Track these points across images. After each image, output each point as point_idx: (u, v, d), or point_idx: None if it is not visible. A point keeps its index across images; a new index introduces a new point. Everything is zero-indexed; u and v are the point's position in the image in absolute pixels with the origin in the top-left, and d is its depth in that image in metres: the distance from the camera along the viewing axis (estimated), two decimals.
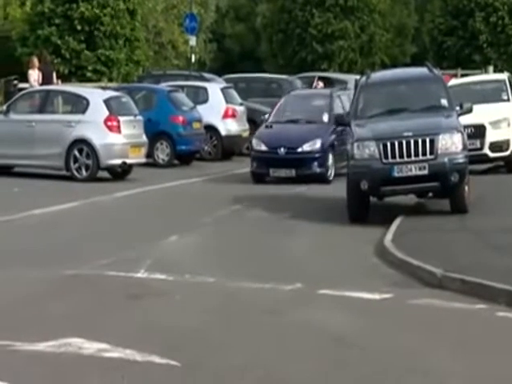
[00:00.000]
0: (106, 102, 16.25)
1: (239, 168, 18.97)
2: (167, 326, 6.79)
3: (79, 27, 31.59)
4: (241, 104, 21.16)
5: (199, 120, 19.46)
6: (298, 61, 37.70)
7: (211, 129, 20.17)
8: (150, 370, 5.66)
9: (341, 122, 13.47)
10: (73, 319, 6.89)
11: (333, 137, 16.19)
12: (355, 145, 11.59)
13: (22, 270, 8.52)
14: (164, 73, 25.73)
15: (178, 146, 18.78)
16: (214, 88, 21.22)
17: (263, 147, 16.01)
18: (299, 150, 15.84)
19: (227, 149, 20.63)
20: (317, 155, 15.86)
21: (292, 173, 15.73)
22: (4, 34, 37.94)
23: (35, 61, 21.12)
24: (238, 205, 13.36)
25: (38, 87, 19.46)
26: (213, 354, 6.09)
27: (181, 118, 18.97)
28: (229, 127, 20.53)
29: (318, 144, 15.95)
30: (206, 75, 25.02)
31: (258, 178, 15.97)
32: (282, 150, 15.76)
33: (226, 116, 20.59)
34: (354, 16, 38.49)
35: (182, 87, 20.61)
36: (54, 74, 22.03)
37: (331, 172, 16.02)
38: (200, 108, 19.80)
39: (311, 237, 10.97)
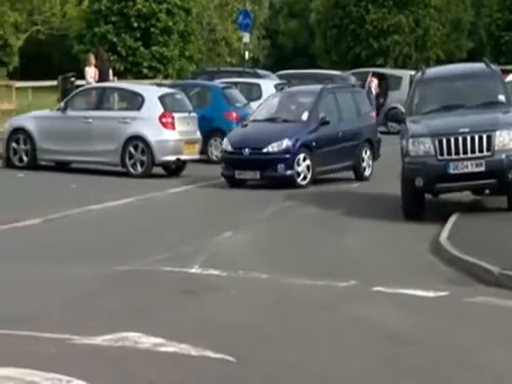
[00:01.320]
0: (161, 98, 16.40)
1: None
2: (222, 321, 6.83)
3: (135, 24, 31.95)
4: None
5: None
6: (352, 57, 37.56)
7: None
8: (204, 365, 5.70)
9: (394, 118, 13.28)
10: (129, 314, 6.98)
11: (310, 137, 14.95)
12: (410, 141, 11.49)
13: (79, 265, 8.65)
14: (218, 69, 25.83)
15: None
16: (268, 84, 21.22)
17: (230, 148, 14.88)
18: (264, 150, 14.58)
19: None
20: (284, 156, 14.54)
21: (256, 175, 14.53)
22: (61, 32, 38.54)
23: (92, 58, 21.37)
24: (290, 201, 13.36)
25: (94, 84, 19.70)
26: (267, 350, 6.11)
27: (234, 115, 19.01)
28: None
29: (284, 144, 14.60)
30: (260, 72, 25.06)
31: (231, 181, 14.78)
32: (247, 150, 14.57)
33: None
34: (409, 10, 38.18)
35: (236, 84, 20.67)
36: (111, 71, 22.26)
37: (306, 176, 14.69)
38: (254, 104, 19.81)
39: (365, 233, 10.92)
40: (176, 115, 16.26)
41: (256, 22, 38.73)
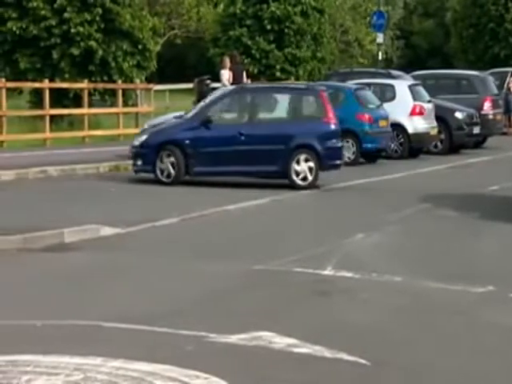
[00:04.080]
0: None
1: (425, 166, 18.66)
2: (355, 323, 6.81)
3: (269, 27, 32.25)
4: (429, 101, 20.81)
5: (386, 118, 19.33)
6: (490, 56, 36.52)
7: (398, 127, 19.99)
8: (338, 367, 5.69)
9: None
10: (263, 313, 7.06)
11: (184, 135, 14.58)
12: None
13: (215, 264, 8.81)
14: (350, 70, 25.77)
15: (363, 144, 18.74)
16: (402, 85, 20.98)
17: None
18: (133, 144, 15.31)
19: (414, 147, 20.38)
20: (142, 151, 14.79)
21: (133, 167, 15.12)
22: (197, 36, 39.43)
23: (227, 61, 21.70)
24: (425, 203, 13.14)
25: (229, 87, 20.00)
26: (401, 353, 6.04)
27: (367, 116, 18.91)
28: (416, 125, 20.26)
29: (143, 139, 15.05)
30: (393, 72, 24.79)
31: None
32: (133, 143, 15.39)
33: (413, 113, 20.32)
34: None
35: (369, 85, 20.54)
36: (244, 74, 22.59)
37: (170, 173, 14.53)
38: (387, 105, 19.66)
39: (504, 237, 10.61)
40: None
41: (390, 23, 38.32)
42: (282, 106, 15.21)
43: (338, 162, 14.97)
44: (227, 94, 15.45)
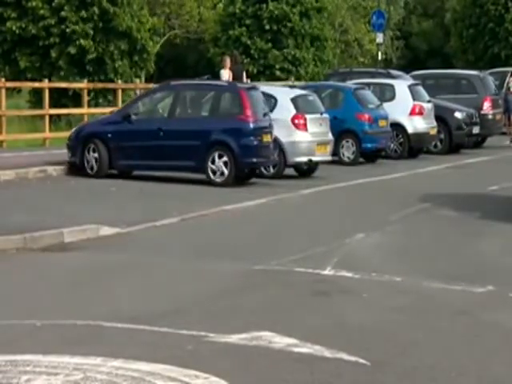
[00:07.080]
0: (294, 100, 16.53)
1: (425, 166, 18.68)
2: (355, 323, 6.80)
3: (267, 27, 32.25)
4: (429, 101, 20.83)
5: (385, 118, 19.35)
6: (490, 56, 36.56)
7: (397, 126, 20.02)
8: (338, 367, 5.69)
9: None
10: (263, 313, 7.05)
11: (105, 129, 15.12)
12: None
13: (215, 263, 8.81)
14: (350, 70, 25.78)
15: (363, 143, 18.76)
16: (401, 85, 21.00)
17: None
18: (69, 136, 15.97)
19: (414, 146, 20.41)
20: (70, 143, 15.54)
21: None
22: (198, 36, 39.42)
23: (228, 61, 21.70)
24: (425, 203, 13.15)
25: None
26: (402, 354, 6.04)
27: (367, 116, 18.93)
28: (416, 124, 20.29)
29: (72, 131, 15.84)
30: (393, 72, 24.81)
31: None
32: None
33: (413, 113, 20.35)
34: None
35: (369, 85, 20.56)
36: (244, 74, 22.58)
37: (93, 165, 15.03)
38: (386, 105, 19.69)
39: (504, 237, 10.61)
40: (308, 116, 16.34)
41: (389, 23, 38.34)
42: (203, 103, 15.36)
43: (255, 159, 14.67)
44: (154, 91, 16.10)
